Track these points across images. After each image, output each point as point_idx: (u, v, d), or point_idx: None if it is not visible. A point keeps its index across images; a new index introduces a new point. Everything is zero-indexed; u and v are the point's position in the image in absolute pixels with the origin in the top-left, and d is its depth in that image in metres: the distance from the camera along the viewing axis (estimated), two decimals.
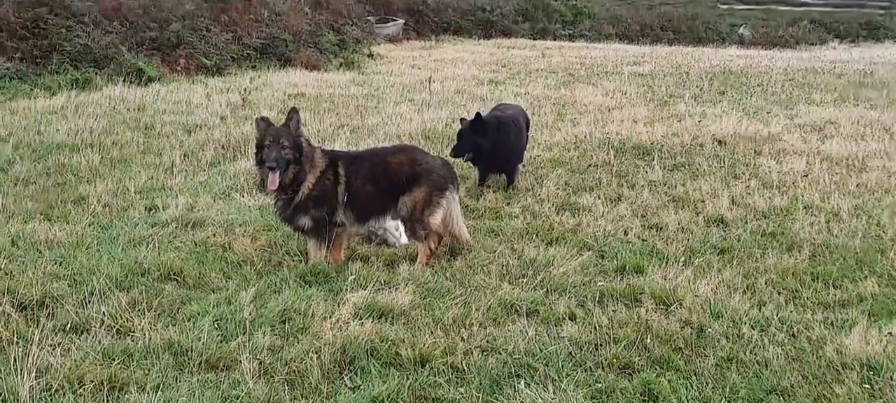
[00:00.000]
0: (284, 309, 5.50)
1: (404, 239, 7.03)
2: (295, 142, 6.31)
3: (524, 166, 9.63)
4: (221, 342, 5.06)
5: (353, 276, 6.12)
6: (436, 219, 6.60)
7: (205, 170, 9.29)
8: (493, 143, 8.62)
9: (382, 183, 6.61)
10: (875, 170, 9.83)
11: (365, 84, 16.86)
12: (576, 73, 19.63)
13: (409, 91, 15.81)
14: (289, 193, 6.40)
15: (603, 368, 4.94)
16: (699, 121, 12.86)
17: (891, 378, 4.86)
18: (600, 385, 4.72)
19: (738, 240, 7.34)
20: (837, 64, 22.99)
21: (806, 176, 9.59)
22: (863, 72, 20.66)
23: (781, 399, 4.66)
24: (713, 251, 7.06)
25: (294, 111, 6.41)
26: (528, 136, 9.71)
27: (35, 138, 10.20)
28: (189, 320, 5.34)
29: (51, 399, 4.38)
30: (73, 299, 5.53)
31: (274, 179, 6.27)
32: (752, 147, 11.13)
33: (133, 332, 5.14)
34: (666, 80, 18.56)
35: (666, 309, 5.76)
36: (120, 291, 5.67)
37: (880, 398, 4.68)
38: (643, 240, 7.33)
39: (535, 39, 30.85)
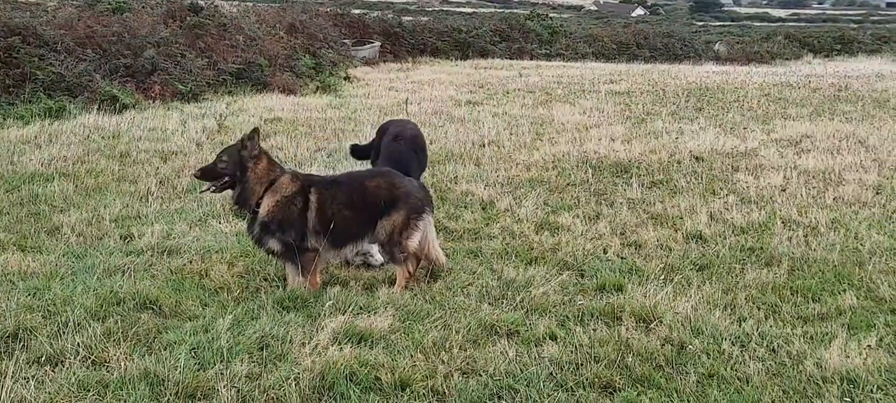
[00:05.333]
0: (262, 336, 5.45)
1: (380, 257, 7.01)
2: (237, 159, 6.41)
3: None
4: (198, 370, 4.99)
5: (332, 301, 6.07)
6: (414, 242, 6.57)
7: (181, 198, 9.21)
8: None
9: (360, 207, 6.58)
10: (852, 183, 9.89)
11: (342, 107, 16.82)
12: (553, 93, 19.67)
13: (387, 113, 15.76)
14: (251, 210, 6.51)
15: (584, 388, 4.92)
16: (676, 138, 12.91)
17: (870, 391, 4.86)
18: None
19: (717, 256, 7.35)
20: (812, 78, 23.18)
21: (783, 190, 9.63)
22: (838, 86, 20.85)
23: None
24: (692, 267, 7.07)
25: (254, 131, 6.48)
26: None
27: (8, 168, 10.08)
28: (165, 349, 5.26)
29: None
30: (48, 330, 5.43)
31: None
32: (730, 163, 11.18)
33: (108, 363, 5.07)
34: (643, 98, 18.64)
35: (646, 327, 5.74)
36: (95, 321, 5.59)
37: None
38: (622, 258, 7.33)
39: (511, 59, 30.93)
